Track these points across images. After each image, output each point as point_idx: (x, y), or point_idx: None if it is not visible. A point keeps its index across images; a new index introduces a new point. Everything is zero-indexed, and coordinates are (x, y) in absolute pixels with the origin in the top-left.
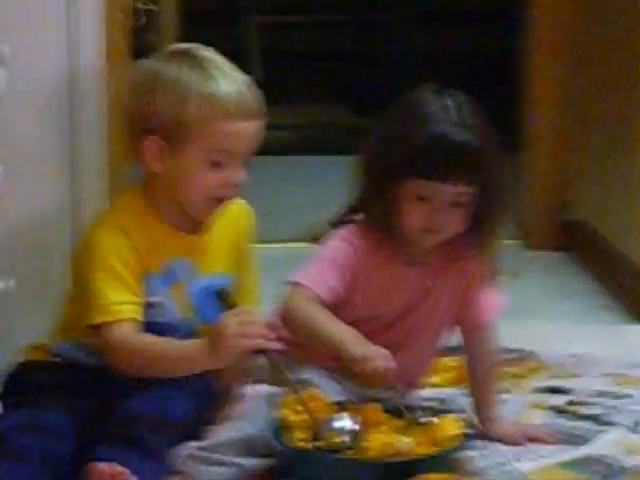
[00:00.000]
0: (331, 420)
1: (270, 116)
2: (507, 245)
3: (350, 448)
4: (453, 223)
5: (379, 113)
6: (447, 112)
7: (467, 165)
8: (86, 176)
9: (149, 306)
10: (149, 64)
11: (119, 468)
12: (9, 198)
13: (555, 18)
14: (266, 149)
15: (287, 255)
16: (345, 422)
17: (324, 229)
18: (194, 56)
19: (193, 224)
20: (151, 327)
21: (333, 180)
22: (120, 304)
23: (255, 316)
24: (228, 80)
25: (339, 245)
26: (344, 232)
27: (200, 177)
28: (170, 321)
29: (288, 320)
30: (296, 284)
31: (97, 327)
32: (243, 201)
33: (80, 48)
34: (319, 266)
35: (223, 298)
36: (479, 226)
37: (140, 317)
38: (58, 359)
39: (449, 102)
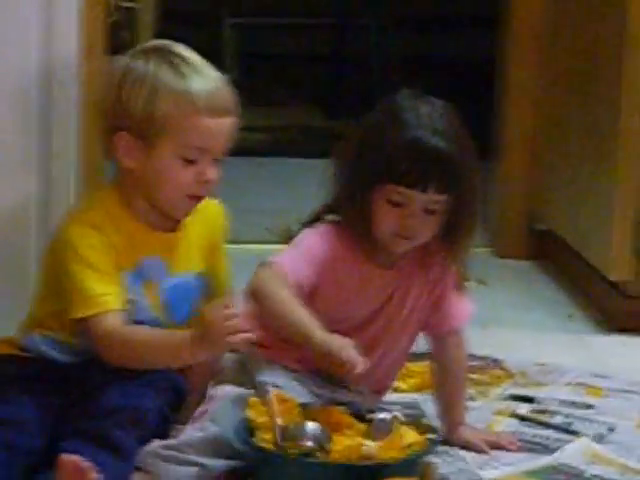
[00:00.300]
0: (296, 425)
1: (243, 117)
2: (476, 252)
3: (315, 451)
4: (425, 230)
5: (351, 116)
6: (422, 118)
7: (440, 173)
8: (57, 172)
9: None
10: (122, 60)
11: (85, 463)
12: None
13: (531, 28)
14: (238, 150)
15: (259, 256)
16: (310, 426)
17: (296, 229)
18: (167, 53)
19: (167, 222)
20: None
21: (303, 182)
22: (105, 295)
23: (238, 310)
24: (200, 77)
25: (314, 237)
26: (321, 227)
27: (173, 174)
28: (142, 319)
29: (255, 295)
30: (268, 263)
31: (83, 320)
32: (217, 201)
33: (56, 41)
34: (293, 251)
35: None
36: (450, 233)
37: (124, 307)
38: (26, 354)
39: (425, 108)
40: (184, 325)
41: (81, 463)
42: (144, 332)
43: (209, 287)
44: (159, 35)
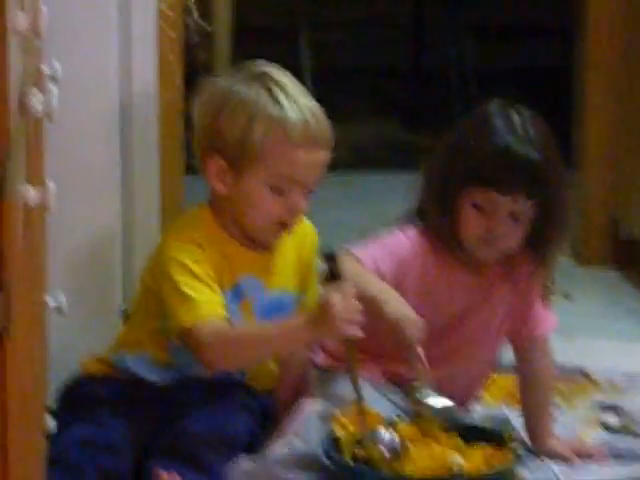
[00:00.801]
0: (371, 431)
1: None
2: (560, 261)
3: (390, 460)
4: (510, 237)
5: (429, 130)
6: (512, 126)
7: (527, 179)
8: (139, 196)
9: None
10: (223, 82)
11: (178, 478)
12: (63, 217)
13: (608, 34)
14: None
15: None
16: (384, 434)
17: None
18: (268, 80)
19: (260, 243)
20: None
21: (384, 197)
22: (207, 303)
23: (357, 303)
24: (297, 107)
25: (397, 235)
26: (406, 228)
27: (262, 202)
28: None
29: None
30: (347, 253)
31: (187, 329)
32: (306, 220)
33: (133, 68)
34: (374, 246)
35: (330, 260)
36: (537, 244)
37: (228, 315)
38: (118, 373)
39: (515, 117)
40: None
41: (174, 477)
42: (249, 328)
43: (301, 305)
44: (235, 54)
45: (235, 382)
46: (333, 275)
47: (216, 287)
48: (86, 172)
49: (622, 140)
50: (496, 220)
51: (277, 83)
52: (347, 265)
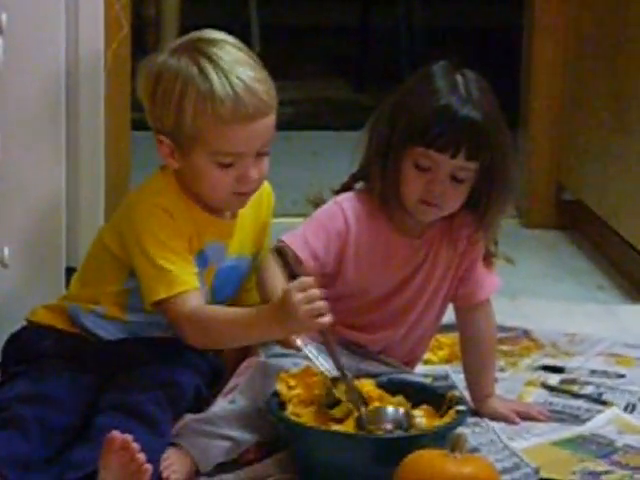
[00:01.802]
0: (377, 409)
1: None
2: (503, 223)
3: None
4: (450, 198)
5: (377, 89)
6: (455, 87)
7: (470, 140)
8: (84, 152)
9: None
10: (157, 61)
11: (134, 443)
12: (8, 173)
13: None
14: None
15: (289, 228)
16: (390, 410)
17: (327, 197)
18: (200, 55)
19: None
20: None
21: (330, 155)
22: (181, 275)
23: (318, 291)
24: (227, 82)
25: (329, 208)
26: (340, 197)
27: (213, 178)
28: None
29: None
30: (279, 241)
31: (162, 301)
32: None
33: (79, 21)
34: (305, 226)
35: (282, 257)
36: (479, 207)
37: (200, 285)
38: (69, 324)
39: (458, 78)
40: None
41: (130, 442)
42: (226, 311)
43: (254, 266)
44: (182, 10)
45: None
46: (287, 270)
47: (188, 256)
48: (31, 126)
49: (567, 103)
50: (436, 180)
51: (209, 57)
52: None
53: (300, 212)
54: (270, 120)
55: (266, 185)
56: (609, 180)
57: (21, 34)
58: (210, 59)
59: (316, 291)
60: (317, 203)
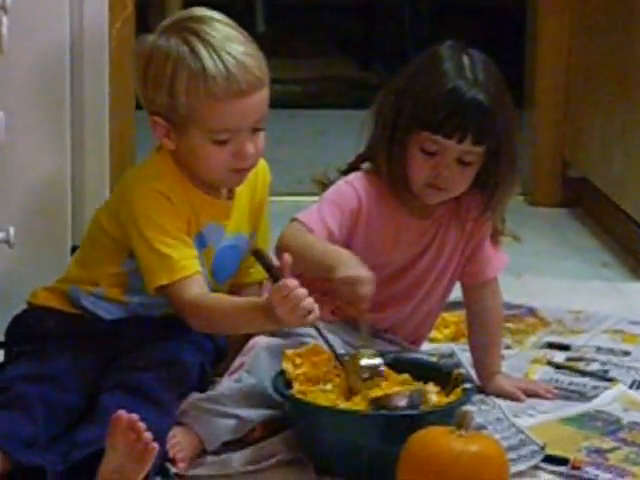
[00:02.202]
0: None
1: (272, 70)
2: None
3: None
4: (457, 181)
5: (382, 67)
6: (462, 69)
7: (477, 124)
8: (89, 131)
9: None
10: (147, 41)
11: (140, 423)
12: (13, 152)
13: None
14: (270, 102)
15: (292, 208)
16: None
17: (334, 178)
18: (190, 33)
19: (221, 190)
20: None
21: (335, 134)
22: (182, 260)
23: (298, 290)
24: (218, 59)
25: (342, 187)
26: (350, 177)
27: (210, 155)
28: None
29: (284, 250)
30: (292, 220)
31: (164, 287)
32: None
33: (84, 2)
34: (319, 205)
35: (260, 260)
36: (486, 188)
37: (200, 268)
38: (70, 306)
39: (465, 60)
40: (225, 285)
41: (136, 422)
42: (227, 301)
43: (251, 243)
44: None
45: None
46: (268, 271)
47: (187, 239)
48: (35, 105)
49: (573, 80)
50: (443, 165)
51: (199, 35)
52: (289, 238)
53: (305, 191)
54: (263, 94)
55: (262, 163)
56: (614, 157)
57: (26, 14)
58: (200, 37)
59: (299, 292)
60: (323, 183)
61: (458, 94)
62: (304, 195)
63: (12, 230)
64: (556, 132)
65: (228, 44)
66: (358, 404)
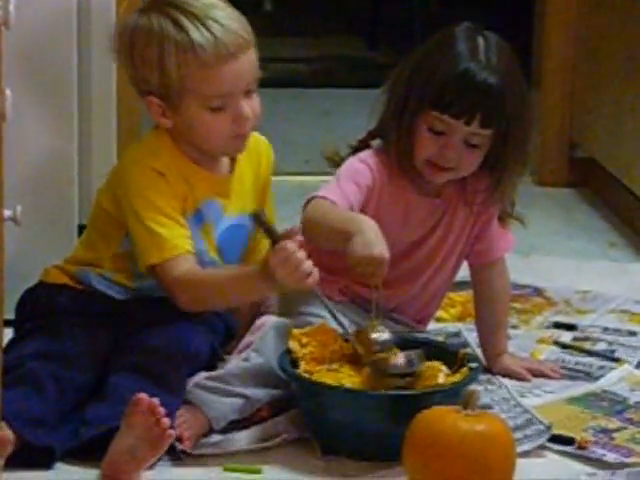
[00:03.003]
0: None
1: (279, 48)
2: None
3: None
4: (465, 162)
5: (390, 47)
6: (476, 51)
7: (486, 107)
8: (96, 109)
9: None
10: (127, 26)
11: (160, 408)
12: (20, 129)
13: None
14: (275, 81)
15: (299, 187)
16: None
17: (345, 154)
18: (168, 6)
19: (222, 163)
20: None
21: (344, 113)
22: (173, 239)
23: (298, 252)
24: (202, 27)
25: (356, 164)
26: (362, 154)
27: (207, 125)
28: (202, 263)
29: (308, 228)
30: (313, 198)
31: (155, 266)
32: (262, 137)
33: None
34: (337, 182)
35: (259, 222)
36: (495, 170)
37: (193, 249)
38: (80, 285)
39: (480, 42)
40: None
41: (157, 406)
42: (216, 273)
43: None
44: None
45: None
46: (267, 233)
47: (181, 219)
48: (41, 83)
49: (580, 60)
50: (449, 145)
51: (179, 7)
52: (313, 212)
53: (312, 170)
54: (252, 55)
55: (264, 141)
56: (621, 137)
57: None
58: (180, 9)
59: (299, 254)
60: (334, 159)
61: (469, 76)
62: (310, 175)
63: (19, 208)
64: (563, 112)
65: (210, 11)
66: (364, 375)
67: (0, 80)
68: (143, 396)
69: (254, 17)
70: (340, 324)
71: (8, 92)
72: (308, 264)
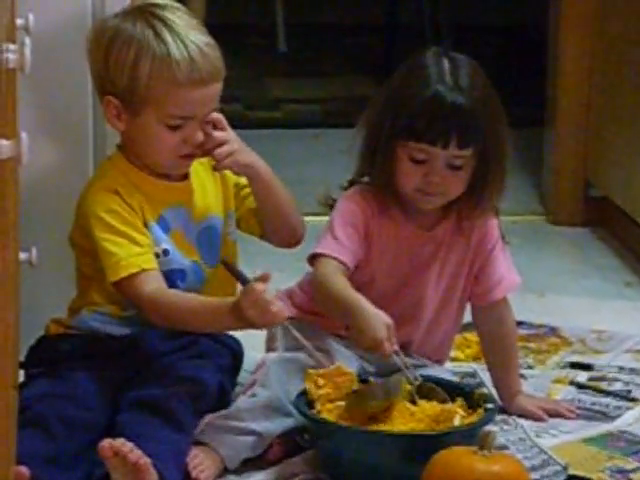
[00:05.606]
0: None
1: (293, 89)
2: (531, 220)
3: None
4: (451, 186)
5: None
6: (443, 74)
7: (459, 128)
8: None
9: (156, 256)
10: (110, 23)
11: (145, 459)
12: (35, 170)
13: None
14: (290, 123)
15: (314, 227)
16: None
17: (336, 195)
18: (154, 18)
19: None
20: (163, 275)
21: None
22: (128, 257)
23: (266, 294)
24: (182, 45)
25: (345, 204)
26: (349, 193)
27: (158, 139)
28: (180, 267)
29: (318, 293)
30: (318, 256)
31: (117, 285)
32: None
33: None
34: (333, 232)
35: (228, 268)
36: (478, 189)
37: (152, 264)
38: (79, 331)
39: (446, 64)
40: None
41: (120, 446)
42: (186, 299)
43: (235, 221)
44: (210, 10)
45: None
46: (236, 277)
47: (138, 235)
48: (57, 126)
49: (595, 99)
50: (433, 172)
51: (163, 21)
52: (323, 279)
53: (329, 211)
54: (219, 86)
55: None
56: (636, 176)
57: (48, 34)
58: (165, 23)
59: (267, 295)
60: (328, 203)
61: (437, 100)
62: (327, 215)
63: (34, 250)
64: (577, 151)
65: (192, 32)
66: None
67: (15, 123)
68: (104, 444)
69: (269, 58)
70: (318, 361)
71: (24, 135)
72: (277, 304)
